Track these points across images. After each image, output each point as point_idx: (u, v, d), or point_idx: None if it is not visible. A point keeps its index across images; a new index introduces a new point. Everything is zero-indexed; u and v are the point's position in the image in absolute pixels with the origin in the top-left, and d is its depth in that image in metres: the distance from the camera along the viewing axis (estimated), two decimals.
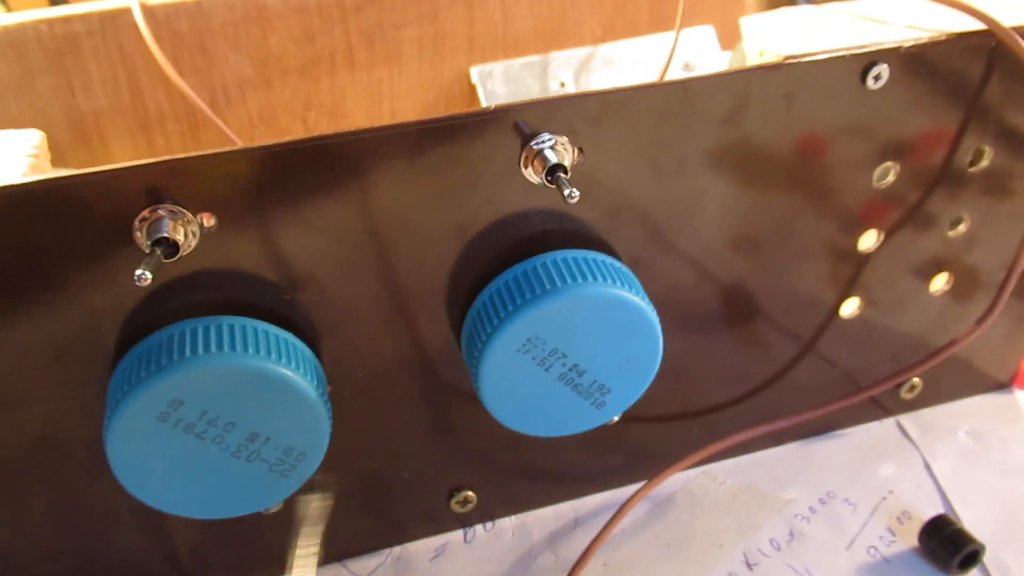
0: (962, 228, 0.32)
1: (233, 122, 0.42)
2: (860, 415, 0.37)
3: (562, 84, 0.46)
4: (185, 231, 0.22)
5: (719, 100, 0.26)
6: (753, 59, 0.30)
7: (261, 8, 0.40)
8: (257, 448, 0.24)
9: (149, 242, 0.22)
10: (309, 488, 0.23)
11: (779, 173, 0.28)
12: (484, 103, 0.45)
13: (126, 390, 0.22)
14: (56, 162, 0.31)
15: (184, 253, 0.22)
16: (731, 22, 0.48)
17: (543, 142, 0.24)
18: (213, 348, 0.22)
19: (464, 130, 0.24)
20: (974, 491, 0.34)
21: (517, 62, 0.46)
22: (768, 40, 0.29)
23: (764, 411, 0.34)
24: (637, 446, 0.34)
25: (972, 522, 0.32)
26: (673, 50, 0.42)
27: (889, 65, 0.27)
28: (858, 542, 0.32)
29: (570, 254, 0.26)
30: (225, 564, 0.31)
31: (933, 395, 0.38)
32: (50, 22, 0.38)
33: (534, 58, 0.46)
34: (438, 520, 0.33)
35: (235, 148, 0.22)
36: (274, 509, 0.29)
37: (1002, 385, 0.39)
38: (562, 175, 0.24)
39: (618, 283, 0.25)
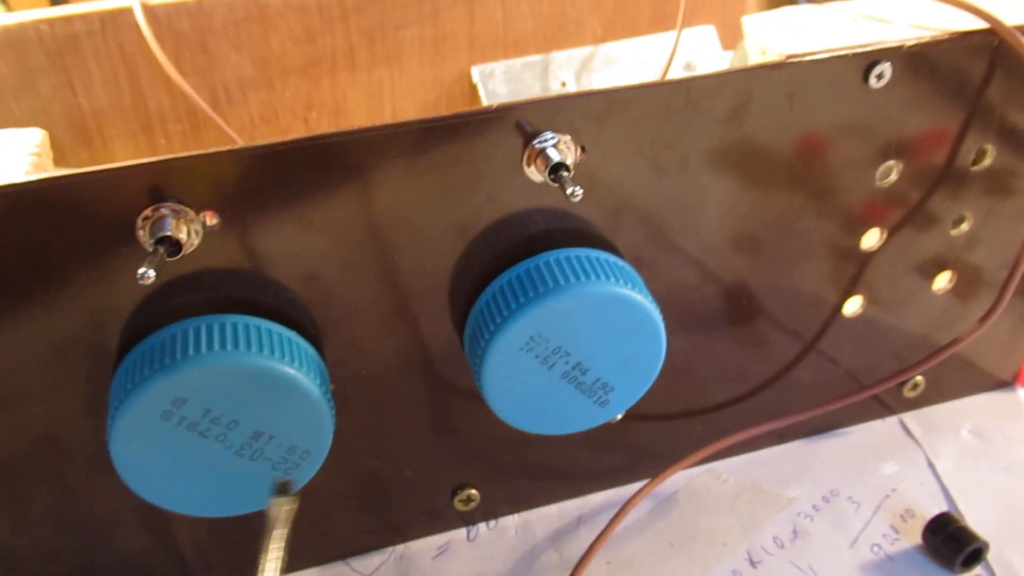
0: (965, 227, 0.32)
1: (234, 122, 0.42)
2: (863, 413, 0.37)
3: (563, 84, 0.46)
4: (188, 230, 0.22)
5: (721, 99, 0.26)
6: (755, 58, 0.30)
7: (262, 8, 0.40)
8: (260, 446, 0.24)
9: (152, 241, 0.22)
10: (281, 491, 0.23)
11: (781, 172, 0.28)
12: (485, 103, 0.45)
13: (129, 388, 0.22)
14: (57, 162, 0.31)
15: (187, 252, 0.22)
16: (732, 22, 0.48)
17: (546, 141, 0.24)
18: (216, 346, 0.22)
19: (466, 129, 0.24)
20: (977, 489, 0.34)
21: (518, 62, 0.46)
22: (770, 39, 0.29)
23: (767, 409, 0.34)
24: (640, 444, 0.34)
25: (975, 520, 0.32)
26: (675, 50, 0.42)
27: (892, 64, 0.27)
28: (862, 540, 0.32)
29: (573, 252, 0.26)
30: (228, 563, 0.31)
31: (936, 393, 0.38)
32: (51, 22, 0.38)
33: (535, 58, 0.46)
34: (441, 518, 0.33)
35: (237, 147, 0.22)
36: None
37: (1005, 383, 0.39)
38: (565, 174, 0.24)
39: (621, 281, 0.25)
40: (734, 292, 0.31)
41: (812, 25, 0.30)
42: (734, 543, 0.32)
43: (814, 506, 0.34)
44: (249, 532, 0.30)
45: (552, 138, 0.24)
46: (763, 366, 0.34)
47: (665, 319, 0.26)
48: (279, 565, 0.22)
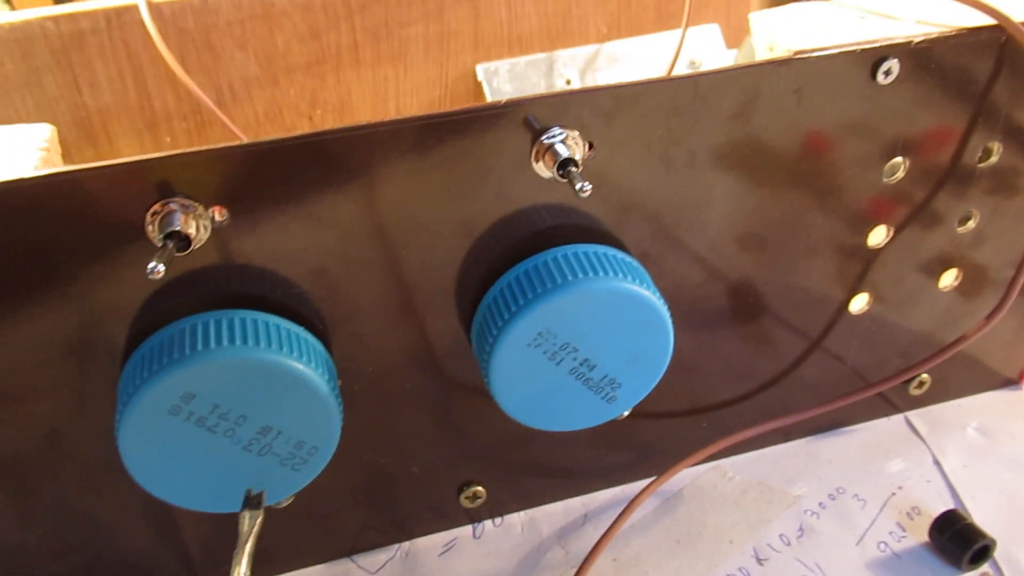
0: (971, 224, 0.32)
1: (239, 120, 0.42)
2: (869, 411, 0.37)
3: (568, 82, 0.46)
4: (197, 225, 0.22)
5: (729, 95, 0.26)
6: (762, 54, 0.30)
7: (267, 6, 0.40)
8: (269, 442, 0.24)
9: (161, 236, 0.22)
10: (255, 504, 0.24)
11: (788, 168, 0.28)
12: (490, 100, 0.45)
13: (138, 384, 0.22)
14: (63, 159, 0.31)
15: (196, 247, 0.22)
16: (736, 20, 0.48)
17: (554, 136, 0.24)
18: (225, 342, 0.22)
19: (475, 124, 0.24)
20: (984, 487, 0.34)
21: (523, 60, 0.46)
22: (777, 35, 0.29)
23: (773, 407, 0.34)
24: (646, 442, 0.34)
25: (982, 518, 0.32)
26: (679, 48, 0.42)
27: (899, 60, 0.27)
28: (868, 537, 0.32)
29: (581, 248, 0.26)
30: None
31: (942, 391, 0.38)
32: (56, 19, 0.38)
33: (540, 56, 0.46)
34: (447, 515, 0.33)
35: (245, 142, 0.22)
36: (285, 503, 0.29)
37: (1010, 382, 0.39)
38: (573, 169, 0.24)
39: (629, 277, 0.25)
40: (740, 289, 0.31)
41: (819, 21, 0.30)
42: (740, 540, 0.32)
43: (820, 504, 0.34)
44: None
45: (560, 134, 0.24)
46: (769, 363, 0.34)
47: (672, 316, 0.26)
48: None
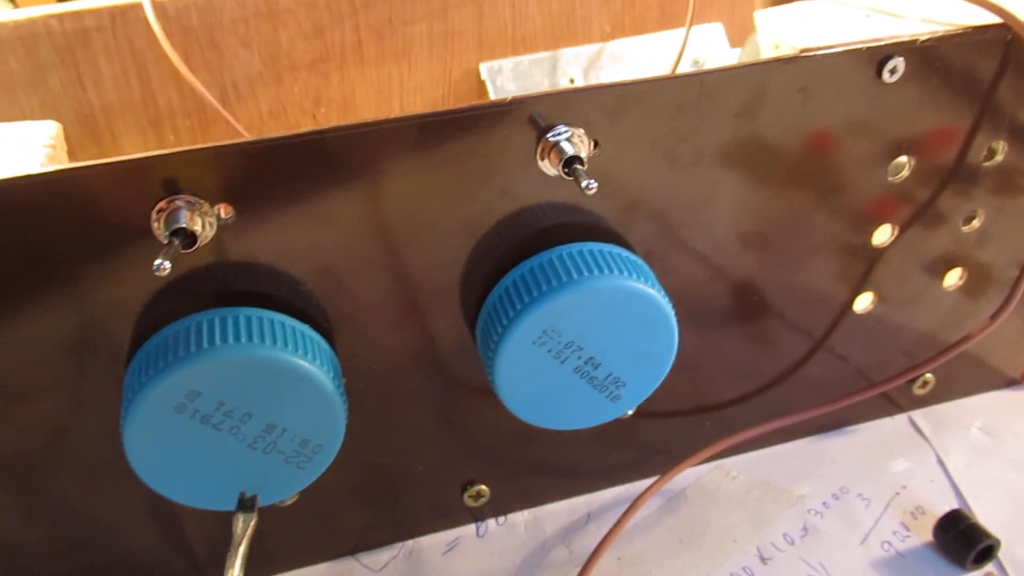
0: (976, 223, 0.32)
1: (243, 118, 0.42)
2: (872, 411, 0.37)
3: (571, 80, 0.46)
4: (202, 222, 0.22)
5: (735, 93, 0.26)
6: (767, 52, 0.30)
7: (271, 4, 0.40)
8: (274, 440, 0.24)
9: (167, 233, 0.22)
10: (248, 506, 0.24)
11: (793, 167, 0.28)
12: (493, 99, 0.45)
13: (143, 381, 0.22)
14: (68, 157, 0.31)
15: (202, 244, 0.22)
16: (739, 19, 0.48)
17: (560, 134, 0.24)
18: (231, 339, 0.22)
19: (481, 122, 0.24)
20: (987, 486, 0.34)
21: (526, 59, 0.46)
22: (783, 33, 0.29)
23: (776, 406, 0.34)
24: (649, 441, 0.34)
25: (986, 517, 0.32)
26: (684, 47, 0.42)
27: (905, 59, 0.27)
28: (872, 537, 0.32)
29: (586, 247, 0.26)
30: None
31: (945, 391, 0.38)
32: (60, 17, 0.38)
33: (543, 55, 0.46)
34: (451, 514, 0.33)
35: (250, 140, 0.22)
36: (289, 501, 0.29)
37: (1014, 382, 0.39)
38: (579, 167, 0.24)
39: (634, 276, 0.25)
40: (745, 288, 0.31)
41: (824, 20, 0.29)
42: (744, 539, 0.32)
43: (824, 503, 0.34)
44: (261, 526, 0.30)
45: (566, 131, 0.24)
46: (773, 363, 0.34)
47: (676, 315, 0.26)
48: None
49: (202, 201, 0.22)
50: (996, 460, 0.35)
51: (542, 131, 0.24)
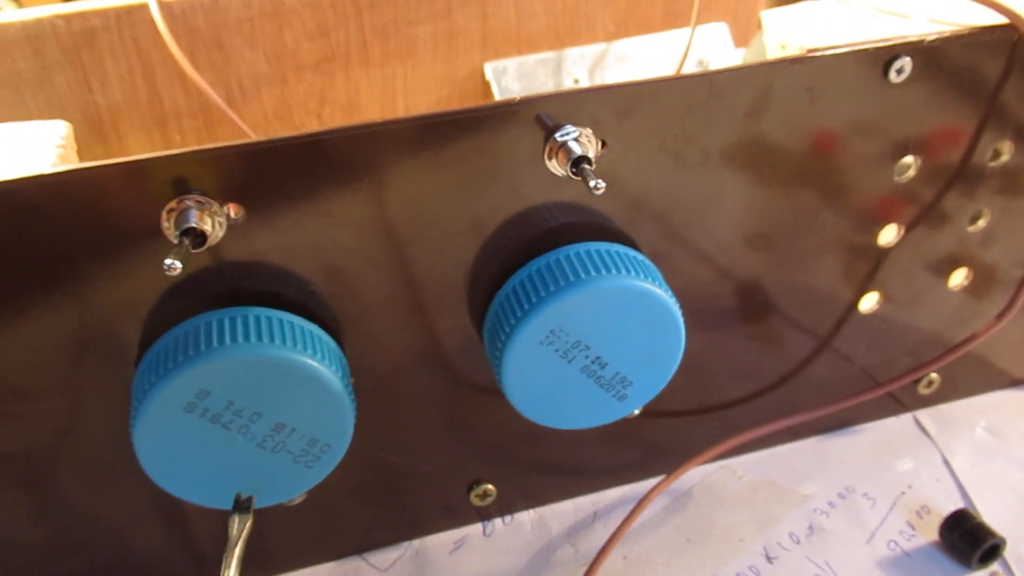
0: (981, 223, 0.32)
1: (248, 118, 0.42)
2: (878, 410, 0.37)
3: (576, 81, 0.46)
4: (212, 221, 0.22)
5: (742, 93, 0.26)
6: (774, 52, 0.30)
7: (277, 4, 0.40)
8: (282, 439, 0.24)
9: (177, 232, 0.22)
10: (244, 508, 0.24)
11: (800, 167, 0.28)
12: (498, 99, 0.45)
13: (153, 380, 0.22)
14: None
15: (212, 243, 0.22)
16: (744, 19, 0.48)
17: (567, 134, 0.24)
18: (240, 339, 0.22)
19: (488, 122, 0.24)
20: (993, 486, 0.34)
21: (531, 58, 0.46)
22: (789, 33, 0.29)
23: (782, 406, 0.34)
24: (655, 440, 0.34)
25: (992, 516, 0.32)
26: (689, 47, 0.42)
27: (911, 59, 0.27)
28: (878, 536, 0.32)
29: (593, 246, 0.26)
30: (245, 557, 0.31)
31: (951, 391, 0.38)
32: (67, 17, 0.38)
33: (548, 55, 0.46)
34: (457, 513, 0.33)
35: (259, 140, 0.22)
36: (297, 500, 0.29)
37: (1019, 381, 0.39)
38: (587, 167, 0.24)
39: (641, 275, 0.25)
40: (751, 288, 0.31)
41: (831, 20, 0.30)
42: (750, 539, 0.32)
43: (830, 503, 0.34)
44: (266, 526, 0.30)
45: (573, 131, 0.24)
46: (778, 363, 0.34)
47: (683, 314, 0.26)
48: None
49: (212, 201, 0.22)
50: (1001, 459, 0.35)
51: (550, 131, 0.24)
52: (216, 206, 0.22)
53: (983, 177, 0.31)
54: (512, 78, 0.46)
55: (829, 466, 0.35)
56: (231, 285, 0.24)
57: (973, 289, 0.34)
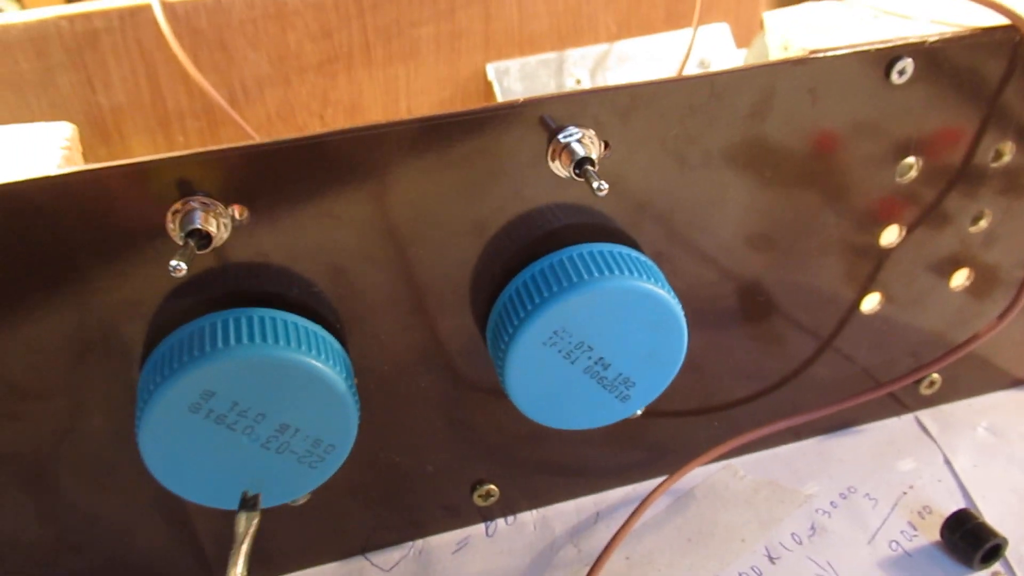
0: (983, 224, 0.32)
1: (251, 119, 0.42)
2: (879, 411, 0.37)
3: (578, 81, 0.47)
4: (217, 223, 0.22)
5: (745, 94, 0.26)
6: (776, 53, 0.30)
7: (280, 5, 0.41)
8: (287, 440, 0.24)
9: (182, 234, 0.22)
10: (251, 505, 0.24)
11: (801, 168, 0.28)
12: (500, 100, 0.45)
13: (158, 381, 0.22)
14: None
15: (217, 244, 0.22)
16: (745, 20, 0.48)
17: (571, 135, 0.24)
18: (245, 339, 0.22)
19: (492, 123, 0.24)
20: (995, 486, 0.34)
21: (533, 59, 0.46)
22: (792, 34, 0.29)
23: (784, 406, 0.35)
24: (658, 441, 0.34)
25: (993, 517, 0.32)
26: (691, 47, 0.43)
27: (913, 60, 0.27)
28: (880, 536, 0.32)
29: (596, 247, 0.26)
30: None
31: (952, 391, 0.38)
32: (71, 18, 0.38)
33: (550, 55, 0.46)
34: (460, 514, 0.33)
35: (263, 142, 0.22)
36: (301, 501, 0.29)
37: (1021, 382, 0.39)
38: (590, 168, 0.24)
39: (644, 276, 0.25)
40: (752, 288, 0.31)
41: (833, 21, 0.30)
42: (752, 539, 0.32)
43: (832, 503, 0.34)
44: (270, 526, 0.30)
45: (576, 133, 0.24)
46: (780, 363, 0.34)
47: (685, 315, 0.26)
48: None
49: (217, 202, 0.22)
50: (1003, 460, 0.35)
51: (553, 132, 0.24)
52: (221, 207, 0.22)
53: (985, 178, 0.31)
54: (514, 79, 0.46)
55: (831, 466, 0.35)
56: (235, 286, 0.24)
57: (975, 290, 0.34)
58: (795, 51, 0.29)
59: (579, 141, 0.24)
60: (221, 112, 0.41)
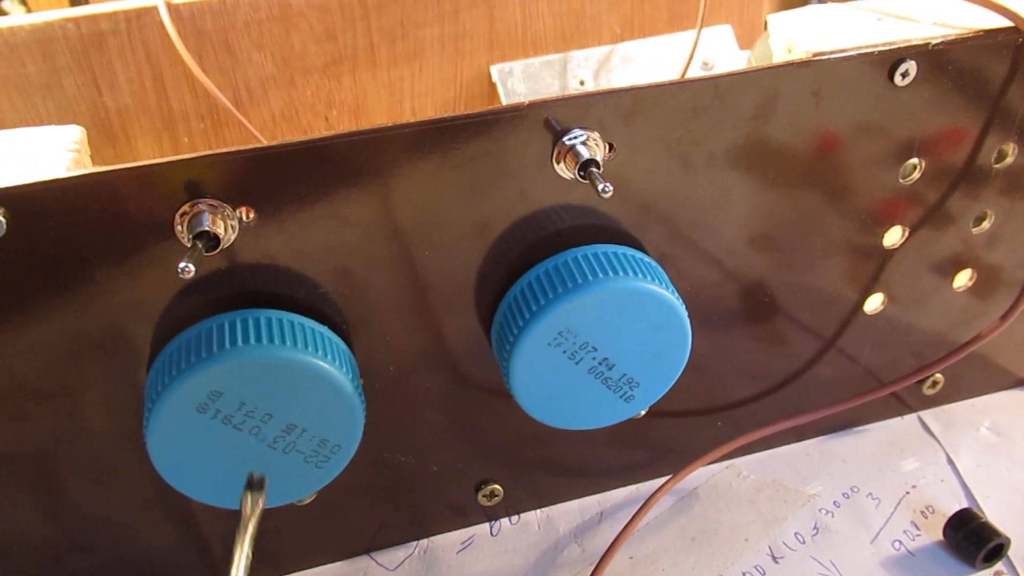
0: (986, 225, 0.33)
1: (256, 120, 0.43)
2: (882, 411, 0.37)
3: (582, 82, 0.47)
4: (225, 225, 0.22)
5: (749, 96, 0.26)
6: (780, 56, 0.30)
7: (284, 7, 0.41)
8: (293, 440, 0.24)
9: (190, 236, 0.22)
10: (257, 487, 0.24)
11: (805, 169, 0.28)
12: (504, 101, 0.45)
13: (166, 382, 0.22)
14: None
15: (225, 246, 0.23)
16: (748, 21, 0.48)
17: (575, 138, 0.24)
18: (252, 340, 0.23)
19: (497, 126, 0.24)
20: (997, 485, 0.34)
21: (537, 60, 0.46)
22: (795, 37, 0.29)
23: (787, 406, 0.35)
24: (661, 441, 0.34)
25: (996, 516, 0.32)
26: (694, 49, 0.43)
27: (916, 62, 0.27)
28: (883, 536, 0.33)
29: (600, 249, 0.26)
30: (254, 556, 0.31)
31: (955, 391, 0.38)
32: (76, 20, 0.38)
33: (554, 56, 0.46)
34: (465, 513, 0.33)
35: (270, 144, 0.22)
36: (307, 500, 0.29)
37: (1023, 382, 0.39)
38: (595, 170, 0.24)
39: (648, 277, 0.26)
40: (756, 289, 0.31)
41: (837, 23, 0.30)
42: (755, 539, 0.33)
43: (835, 502, 0.34)
44: (276, 526, 0.30)
45: (581, 135, 0.24)
46: (784, 363, 0.34)
47: (689, 316, 0.26)
48: (248, 563, 0.23)
49: (224, 204, 0.22)
50: (1005, 459, 0.35)
51: (558, 135, 0.25)
52: (228, 209, 0.22)
53: (987, 179, 0.31)
54: (518, 80, 0.46)
55: (834, 466, 0.35)
56: (242, 287, 0.24)
57: (977, 290, 0.34)
58: (799, 53, 0.29)
59: (584, 143, 0.24)
60: (226, 113, 0.42)
